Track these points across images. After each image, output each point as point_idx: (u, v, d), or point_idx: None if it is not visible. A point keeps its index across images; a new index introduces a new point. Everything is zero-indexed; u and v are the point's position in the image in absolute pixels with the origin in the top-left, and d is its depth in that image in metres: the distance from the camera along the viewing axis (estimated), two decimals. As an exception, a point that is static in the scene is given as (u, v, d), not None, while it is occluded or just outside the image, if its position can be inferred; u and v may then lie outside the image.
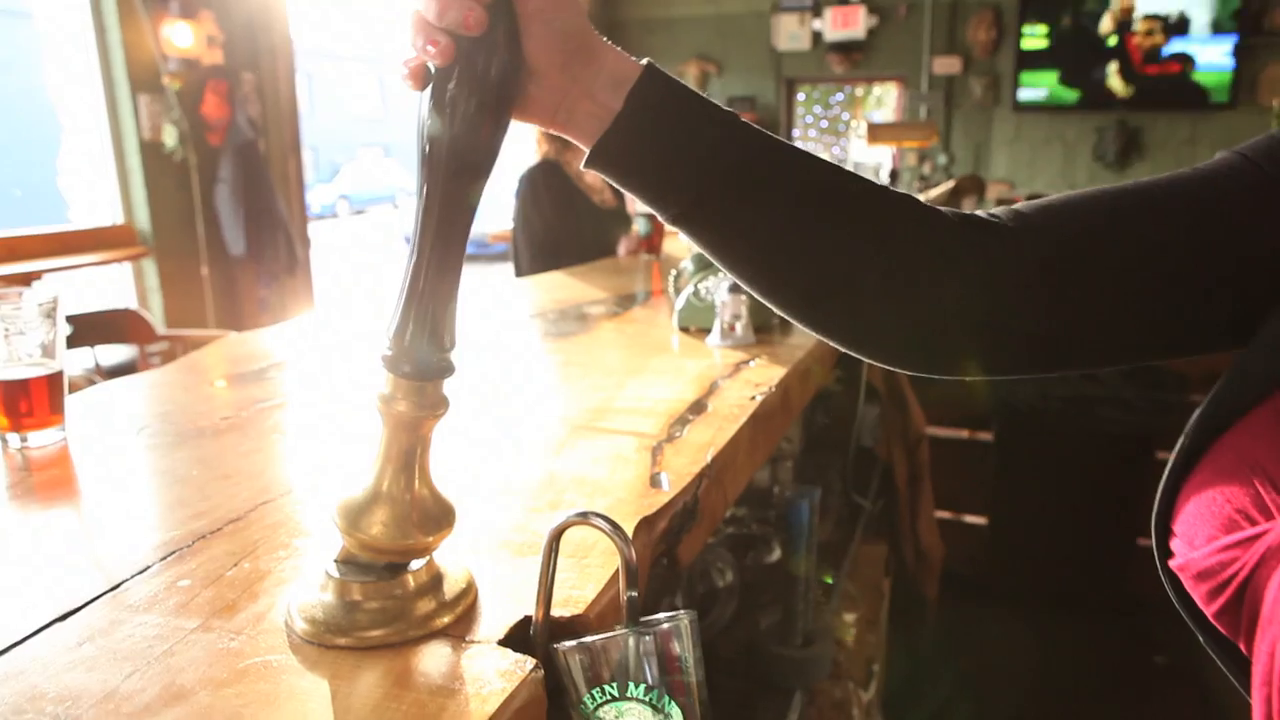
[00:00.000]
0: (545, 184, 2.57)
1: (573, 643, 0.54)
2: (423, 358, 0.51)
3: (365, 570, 0.55)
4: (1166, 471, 0.55)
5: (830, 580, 1.49)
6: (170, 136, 3.62)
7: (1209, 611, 0.50)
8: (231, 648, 0.52)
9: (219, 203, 3.88)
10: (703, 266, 1.49)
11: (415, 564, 0.55)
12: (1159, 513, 0.55)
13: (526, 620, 0.54)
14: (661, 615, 0.55)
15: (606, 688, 0.53)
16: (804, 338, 1.32)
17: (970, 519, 3.02)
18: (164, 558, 0.64)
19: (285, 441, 0.90)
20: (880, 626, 1.73)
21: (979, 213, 0.64)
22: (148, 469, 0.83)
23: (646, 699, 0.53)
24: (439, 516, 0.54)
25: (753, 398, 0.98)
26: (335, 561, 0.55)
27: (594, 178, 2.85)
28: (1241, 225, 0.58)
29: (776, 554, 1.32)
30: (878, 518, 1.90)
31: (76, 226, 3.55)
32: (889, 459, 1.86)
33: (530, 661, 0.50)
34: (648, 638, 0.54)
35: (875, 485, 1.82)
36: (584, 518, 0.50)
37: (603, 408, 0.97)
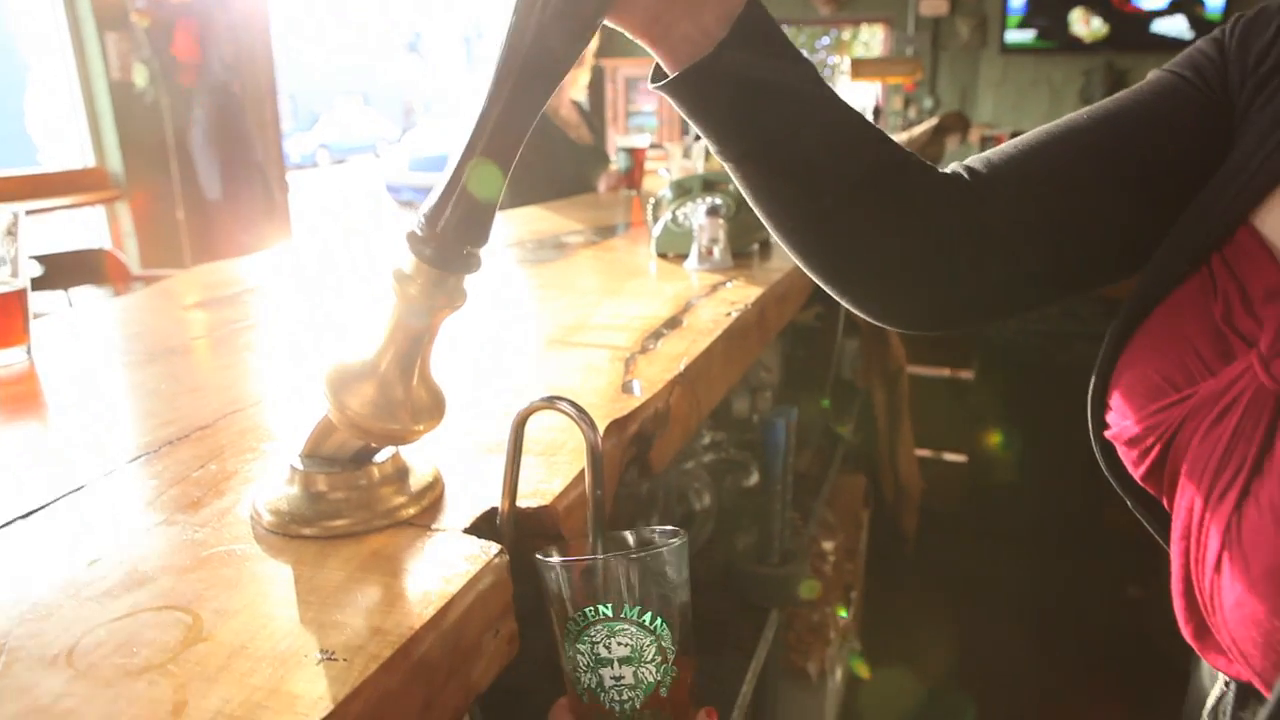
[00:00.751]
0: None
1: (560, 559, 0.54)
2: (452, 248, 0.48)
3: (331, 462, 0.54)
4: (1103, 348, 0.57)
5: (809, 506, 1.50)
6: (141, 76, 3.53)
7: (1137, 474, 0.54)
8: (195, 539, 0.52)
9: (193, 146, 3.80)
10: (681, 193, 1.48)
11: (381, 456, 0.55)
12: (1095, 388, 0.57)
13: (493, 511, 0.54)
14: (655, 534, 0.55)
15: (600, 608, 0.53)
16: (783, 262, 1.31)
17: (950, 457, 3.05)
18: (130, 461, 0.63)
19: (257, 359, 0.89)
20: (859, 556, 1.75)
21: (956, 167, 0.66)
22: (116, 385, 0.82)
23: (639, 620, 0.53)
24: (429, 407, 0.53)
25: (728, 314, 0.98)
26: (301, 456, 0.55)
27: (570, 113, 2.80)
28: (1184, 137, 0.59)
29: (754, 478, 1.33)
30: (857, 450, 1.91)
31: (46, 169, 3.47)
32: (869, 391, 1.86)
33: (495, 547, 0.50)
34: (640, 558, 0.54)
35: (855, 417, 1.83)
36: (550, 402, 0.49)
37: (578, 325, 0.97)
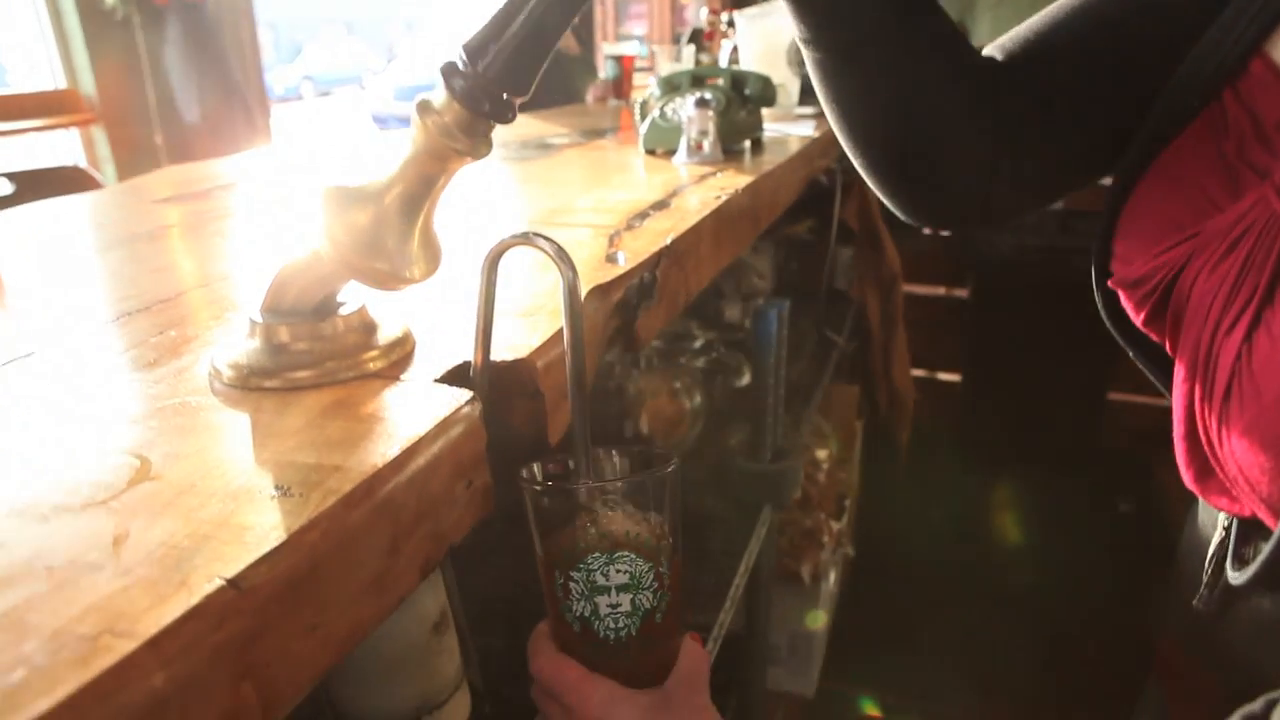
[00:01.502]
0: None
1: (549, 484, 0.51)
2: (491, 89, 0.43)
3: (293, 315, 0.51)
4: (1108, 194, 0.56)
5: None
6: (110, -7, 3.40)
7: (1139, 319, 0.53)
8: (149, 393, 0.49)
9: (168, 66, 3.69)
10: (669, 90, 1.42)
11: (347, 309, 0.52)
12: (1101, 234, 0.56)
13: (466, 365, 0.51)
14: (643, 451, 0.53)
15: (599, 533, 0.50)
16: (776, 156, 1.26)
17: (944, 376, 3.04)
18: (85, 331, 0.60)
19: (227, 243, 0.85)
20: (853, 465, 1.74)
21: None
22: (75, 268, 0.78)
23: (640, 546, 0.51)
24: (423, 257, 0.48)
25: (717, 197, 0.94)
26: (260, 310, 0.52)
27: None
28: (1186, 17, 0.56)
29: (746, 379, 1.30)
30: (851, 360, 1.89)
31: (16, 90, 3.36)
32: (863, 301, 1.83)
33: (468, 394, 0.47)
34: (641, 482, 0.52)
35: (848, 327, 1.80)
36: (525, 238, 0.46)
37: (561, 209, 0.93)
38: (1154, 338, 0.53)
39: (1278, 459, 0.40)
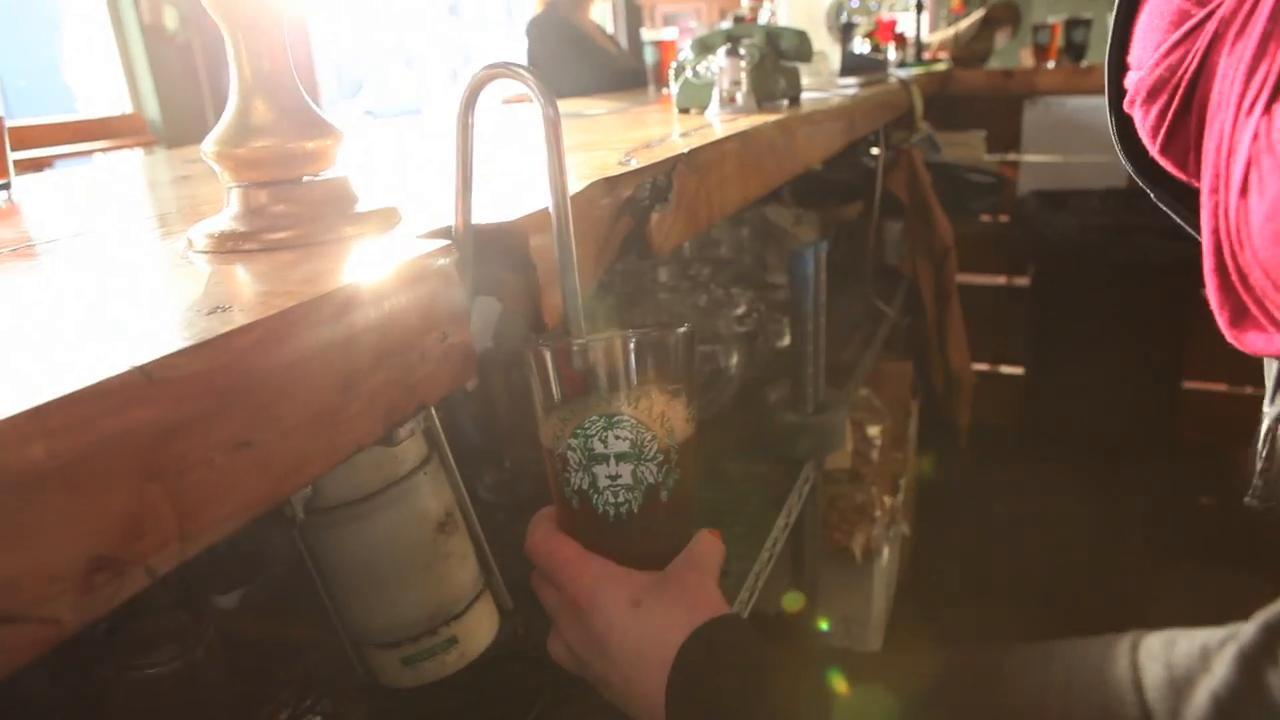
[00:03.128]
0: (555, 32, 2.46)
1: (551, 342, 0.48)
2: None
3: (272, 181, 0.48)
4: (1117, 4, 0.47)
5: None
6: (171, 19, 3.52)
7: (1157, 145, 0.44)
8: (118, 261, 0.46)
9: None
10: (703, 50, 1.39)
11: (328, 173, 0.49)
12: (1112, 50, 0.47)
13: (447, 230, 0.47)
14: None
15: (598, 394, 0.47)
16: (814, 110, 1.22)
17: (1006, 370, 2.93)
18: (72, 236, 0.58)
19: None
20: (908, 444, 1.66)
21: None
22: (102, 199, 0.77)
23: (643, 411, 0.47)
24: (316, 123, 0.47)
25: (741, 131, 0.89)
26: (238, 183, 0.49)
27: (596, 29, 2.72)
28: None
29: (787, 339, 1.25)
30: (905, 338, 1.82)
31: (85, 116, 3.49)
32: (915, 276, 1.76)
33: (444, 243, 0.43)
34: (643, 340, 0.48)
35: (899, 302, 1.73)
36: (505, 68, 0.42)
37: (584, 144, 0.90)
38: (1174, 169, 0.45)
39: None
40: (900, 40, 2.60)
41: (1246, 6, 0.37)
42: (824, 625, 1.62)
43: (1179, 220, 0.47)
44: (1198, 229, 0.44)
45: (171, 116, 3.61)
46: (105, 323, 0.34)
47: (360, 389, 0.37)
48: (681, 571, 0.48)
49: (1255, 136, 0.36)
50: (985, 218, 2.68)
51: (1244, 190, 0.37)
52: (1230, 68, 0.38)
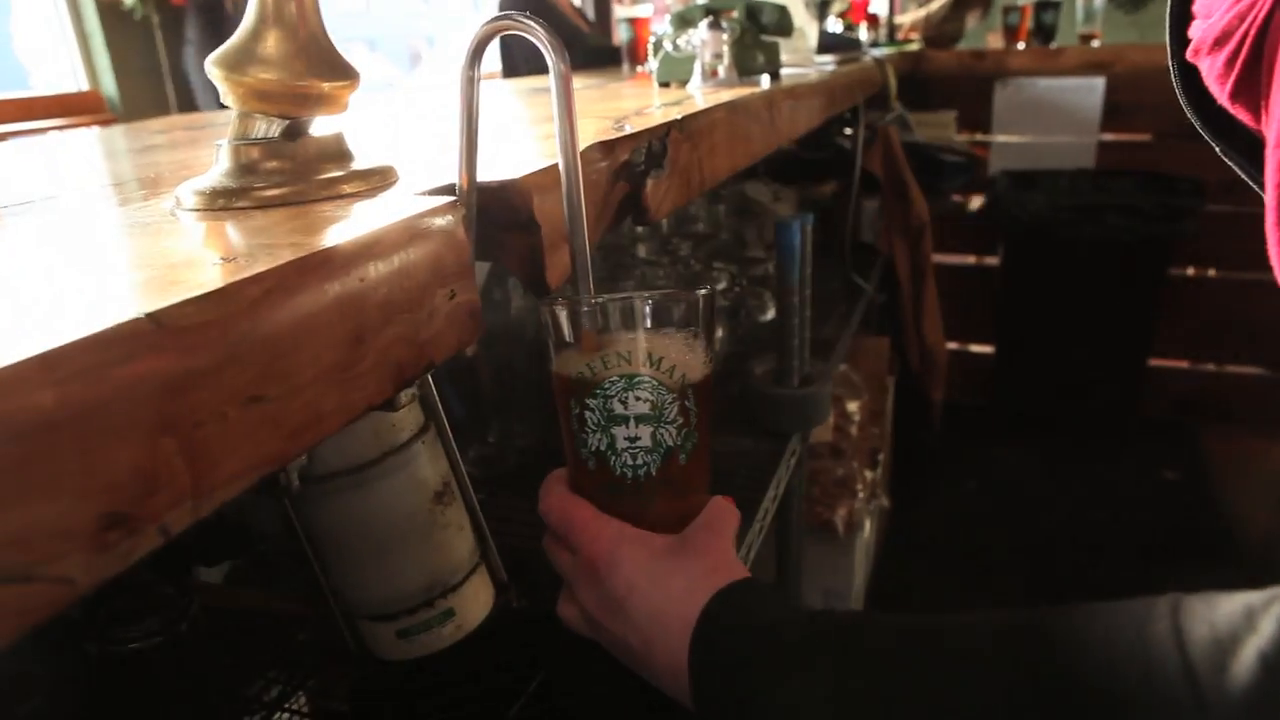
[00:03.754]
0: (527, 5, 2.42)
1: (569, 299, 0.47)
2: None
3: (263, 137, 0.46)
4: None
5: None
6: (128, -7, 3.42)
7: (1225, 93, 0.42)
8: (102, 218, 0.44)
9: (188, 67, 3.69)
10: (682, 25, 1.37)
11: (321, 129, 0.47)
12: (1174, 2, 0.44)
13: (451, 187, 0.46)
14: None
15: (619, 355, 0.46)
16: (794, 84, 1.21)
17: (976, 348, 2.95)
18: (45, 199, 0.56)
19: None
20: (885, 419, 1.67)
21: None
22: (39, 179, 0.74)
23: (664, 372, 0.46)
24: (336, 65, 0.45)
25: (729, 100, 0.88)
26: (229, 139, 0.47)
27: (567, 3, 2.68)
28: None
29: (770, 313, 1.25)
30: (881, 314, 1.82)
31: (39, 93, 3.38)
32: (890, 253, 1.77)
33: (452, 199, 0.42)
34: (664, 301, 0.47)
35: (876, 279, 1.73)
36: (513, 20, 0.41)
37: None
38: (1246, 117, 0.42)
39: None
40: (873, 20, 2.59)
41: None
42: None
43: (1243, 175, 0.45)
44: (1259, 183, 0.43)
45: (130, 94, 3.51)
46: (102, 277, 0.32)
47: (371, 345, 0.35)
48: (699, 534, 0.47)
49: None
50: (957, 197, 2.70)
51: None
52: None
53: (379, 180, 0.47)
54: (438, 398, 0.55)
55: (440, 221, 0.40)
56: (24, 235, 0.42)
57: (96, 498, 0.25)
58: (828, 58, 1.76)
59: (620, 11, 2.16)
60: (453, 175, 0.50)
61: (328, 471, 0.49)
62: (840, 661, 0.40)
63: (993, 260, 2.83)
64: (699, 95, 1.11)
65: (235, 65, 0.43)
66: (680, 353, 0.46)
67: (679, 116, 0.70)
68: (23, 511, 0.23)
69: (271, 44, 0.43)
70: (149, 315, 0.27)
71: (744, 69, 1.22)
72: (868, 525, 1.44)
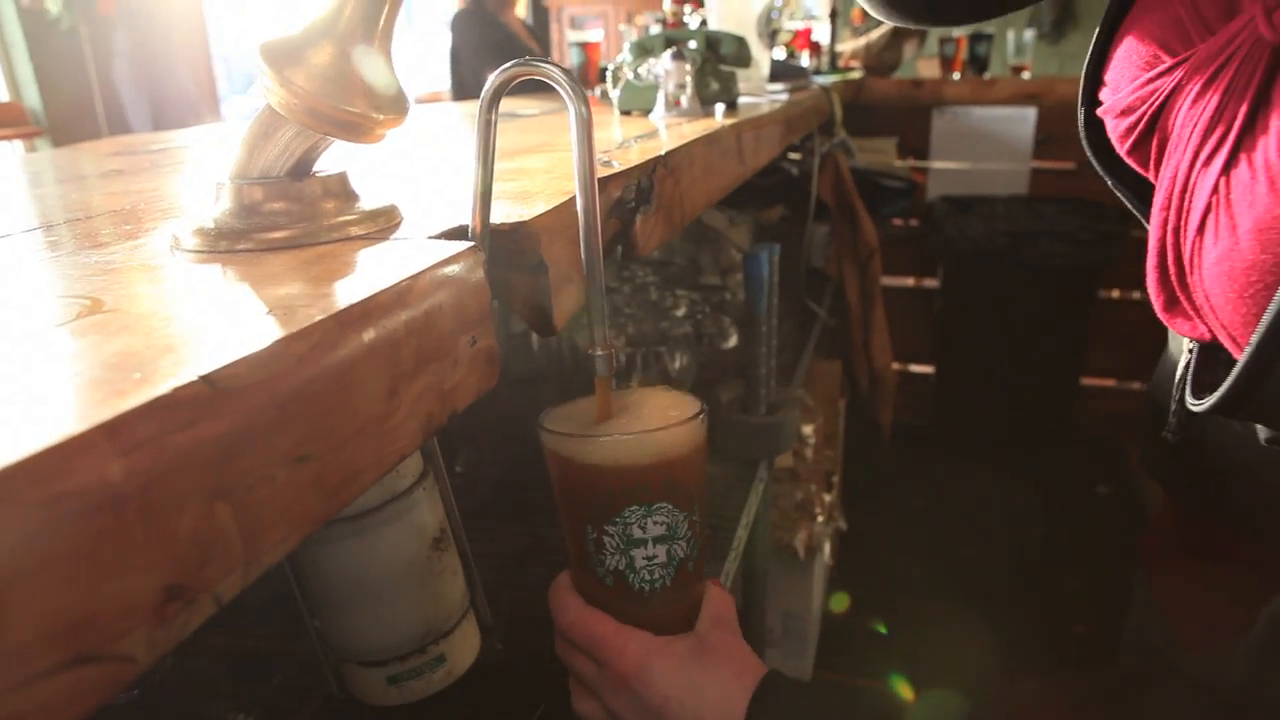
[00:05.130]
0: (480, 28, 2.41)
1: (580, 437, 0.48)
2: None
3: (266, 176, 0.45)
4: (1100, 23, 0.54)
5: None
6: (54, 3, 3.30)
7: (1124, 149, 0.51)
8: (93, 263, 0.43)
9: (117, 79, 3.59)
10: (642, 54, 1.39)
11: (325, 170, 0.46)
12: (1090, 65, 0.54)
13: (462, 229, 0.46)
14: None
15: (638, 485, 0.47)
16: (751, 114, 1.23)
17: (917, 368, 3.02)
18: (25, 231, 0.53)
19: (181, 174, 0.79)
20: (838, 441, 1.70)
21: None
22: (15, 201, 0.71)
23: (673, 497, 0.48)
24: (391, 98, 0.43)
25: (704, 131, 0.89)
26: (230, 177, 0.46)
27: (521, 26, 2.69)
28: None
29: (733, 340, 1.26)
30: (832, 338, 1.85)
31: (-43, 104, 3.24)
32: (840, 278, 1.80)
33: (470, 243, 0.42)
34: (674, 432, 0.49)
35: (828, 304, 1.76)
36: (531, 66, 0.41)
37: (537, 146, 0.88)
38: (1137, 167, 0.52)
39: (1244, 291, 0.39)
40: (815, 48, 2.65)
41: (1209, 72, 0.43)
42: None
43: (1130, 206, 0.54)
44: (1143, 215, 0.52)
45: (55, 106, 3.39)
46: (134, 330, 0.31)
47: (403, 396, 0.35)
48: (714, 634, 0.51)
49: (1214, 190, 0.41)
50: (897, 221, 2.77)
51: (1200, 230, 0.42)
52: (1190, 120, 0.44)
53: (385, 221, 0.46)
54: (435, 443, 0.55)
55: (461, 267, 0.40)
56: (11, 274, 0.40)
57: (159, 571, 0.24)
58: (779, 86, 1.80)
59: (572, 35, 2.17)
60: (447, 210, 0.50)
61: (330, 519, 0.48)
62: None
63: (932, 282, 2.91)
64: (662, 125, 1.13)
65: (284, 64, 0.40)
66: (690, 475, 0.48)
67: (663, 153, 0.71)
68: (94, 589, 0.22)
69: (350, 57, 0.40)
70: (204, 378, 0.26)
71: (704, 99, 1.23)
72: (826, 548, 1.46)
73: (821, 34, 2.71)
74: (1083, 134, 0.56)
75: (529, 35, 2.67)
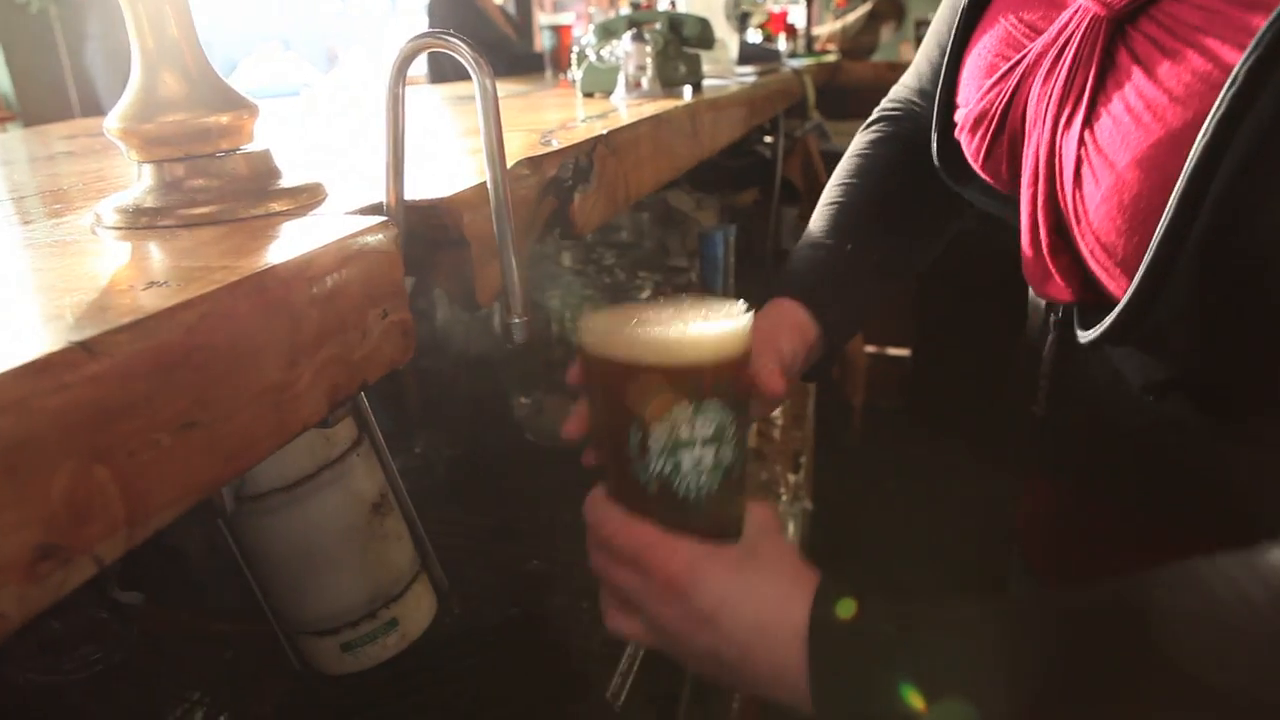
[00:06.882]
0: (456, 11, 2.40)
1: (620, 313, 0.48)
2: None
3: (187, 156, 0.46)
4: (946, 56, 0.60)
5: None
6: (25, -14, 3.27)
7: (979, 161, 0.56)
8: (10, 239, 0.43)
9: (90, 64, 3.56)
10: (606, 35, 1.39)
11: (249, 146, 0.47)
12: (942, 97, 0.60)
13: (380, 206, 0.46)
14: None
15: (689, 381, 0.45)
16: (716, 95, 1.23)
17: (894, 351, 3.04)
18: (-44, 206, 0.54)
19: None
20: (806, 422, 1.71)
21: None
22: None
23: (722, 394, 0.46)
24: (230, 96, 0.45)
25: (654, 114, 0.90)
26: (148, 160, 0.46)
27: (497, 11, 2.68)
28: None
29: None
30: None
31: (-74, 88, 3.21)
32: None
33: (382, 218, 0.42)
34: (724, 326, 0.47)
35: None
36: (436, 37, 0.41)
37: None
38: (989, 178, 0.56)
39: (1134, 219, 0.42)
40: (791, 31, 2.65)
41: (1052, 55, 0.48)
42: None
43: (994, 212, 0.60)
44: (1003, 215, 0.58)
45: (28, 90, 3.36)
46: (28, 301, 0.32)
47: (305, 367, 0.36)
48: (765, 542, 0.49)
49: (1080, 143, 0.45)
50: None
51: (1077, 181, 0.46)
52: (1044, 95, 0.49)
53: (308, 197, 0.47)
54: (369, 408, 0.55)
55: (372, 241, 0.40)
56: (-66, 254, 0.41)
57: (29, 530, 0.25)
58: (748, 68, 1.80)
59: (544, 19, 2.16)
60: (374, 187, 0.50)
61: (263, 489, 0.48)
62: (957, 662, 0.42)
63: (907, 267, 2.92)
64: (622, 106, 1.13)
65: (137, 116, 0.43)
66: (736, 373, 0.46)
67: (604, 131, 0.71)
68: (-45, 546, 0.23)
69: (169, 88, 0.43)
70: (81, 344, 0.26)
71: (666, 80, 1.24)
72: (791, 527, 1.47)
73: (798, 17, 2.71)
74: (936, 157, 0.62)
75: (505, 20, 2.66)
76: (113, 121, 0.43)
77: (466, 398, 1.06)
